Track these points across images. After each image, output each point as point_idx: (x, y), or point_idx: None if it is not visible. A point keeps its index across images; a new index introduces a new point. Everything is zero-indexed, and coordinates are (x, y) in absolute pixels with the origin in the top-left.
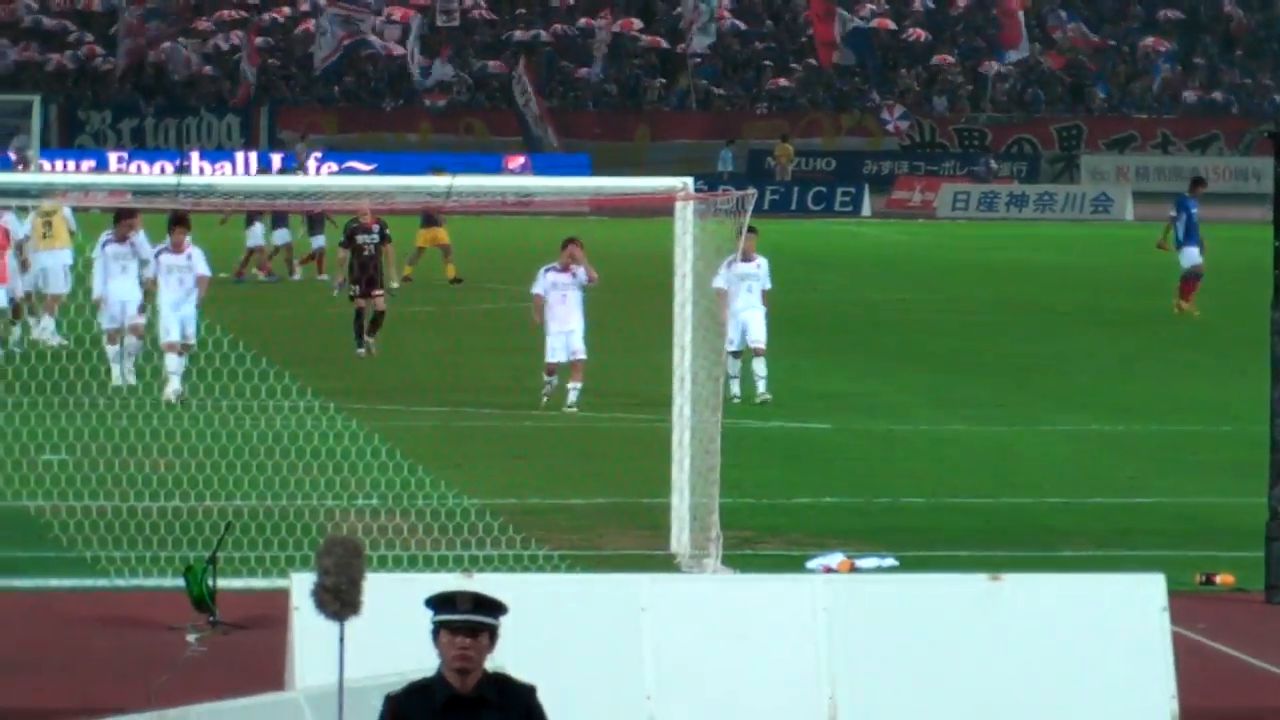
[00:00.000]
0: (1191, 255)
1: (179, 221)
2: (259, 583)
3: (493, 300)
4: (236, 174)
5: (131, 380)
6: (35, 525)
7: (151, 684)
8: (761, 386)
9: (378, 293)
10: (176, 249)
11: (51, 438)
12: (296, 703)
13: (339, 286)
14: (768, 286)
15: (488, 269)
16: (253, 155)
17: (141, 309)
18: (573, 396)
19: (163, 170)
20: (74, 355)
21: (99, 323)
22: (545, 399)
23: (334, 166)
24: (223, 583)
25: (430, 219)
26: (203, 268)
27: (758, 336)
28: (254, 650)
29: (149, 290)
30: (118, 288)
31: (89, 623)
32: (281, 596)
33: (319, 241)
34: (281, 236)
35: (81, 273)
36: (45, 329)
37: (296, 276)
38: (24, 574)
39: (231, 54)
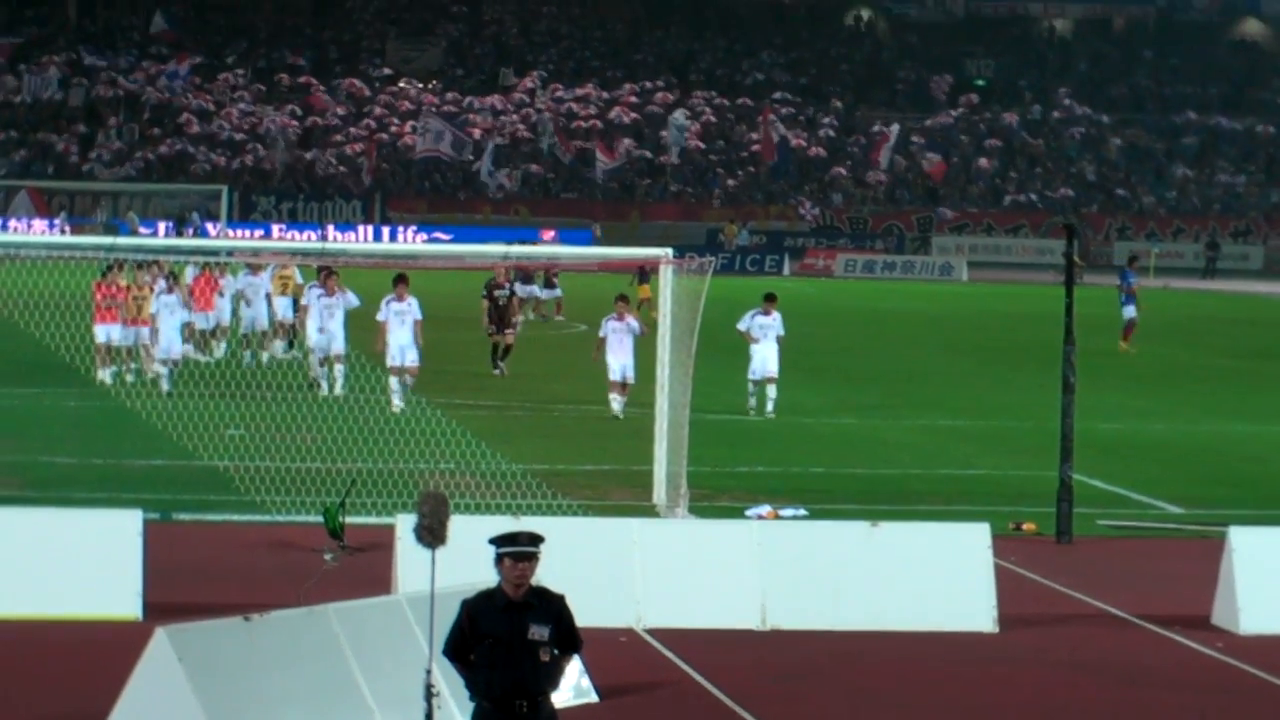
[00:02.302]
0: (1129, 311)
1: (401, 279)
2: (373, 520)
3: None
4: (359, 241)
5: (340, 392)
6: (222, 478)
7: (300, 589)
8: (770, 406)
9: (508, 331)
10: (400, 298)
11: (234, 419)
12: (400, 603)
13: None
14: (781, 333)
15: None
16: (369, 228)
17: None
18: (616, 407)
19: (309, 238)
20: (268, 369)
21: (310, 349)
22: (616, 416)
23: (424, 236)
24: (349, 519)
25: (644, 276)
26: (418, 313)
27: (771, 370)
28: (370, 567)
29: (381, 330)
30: (328, 327)
31: (257, 545)
32: (389, 530)
33: (531, 290)
34: (526, 290)
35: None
36: (278, 349)
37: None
38: (213, 511)
39: (356, 159)
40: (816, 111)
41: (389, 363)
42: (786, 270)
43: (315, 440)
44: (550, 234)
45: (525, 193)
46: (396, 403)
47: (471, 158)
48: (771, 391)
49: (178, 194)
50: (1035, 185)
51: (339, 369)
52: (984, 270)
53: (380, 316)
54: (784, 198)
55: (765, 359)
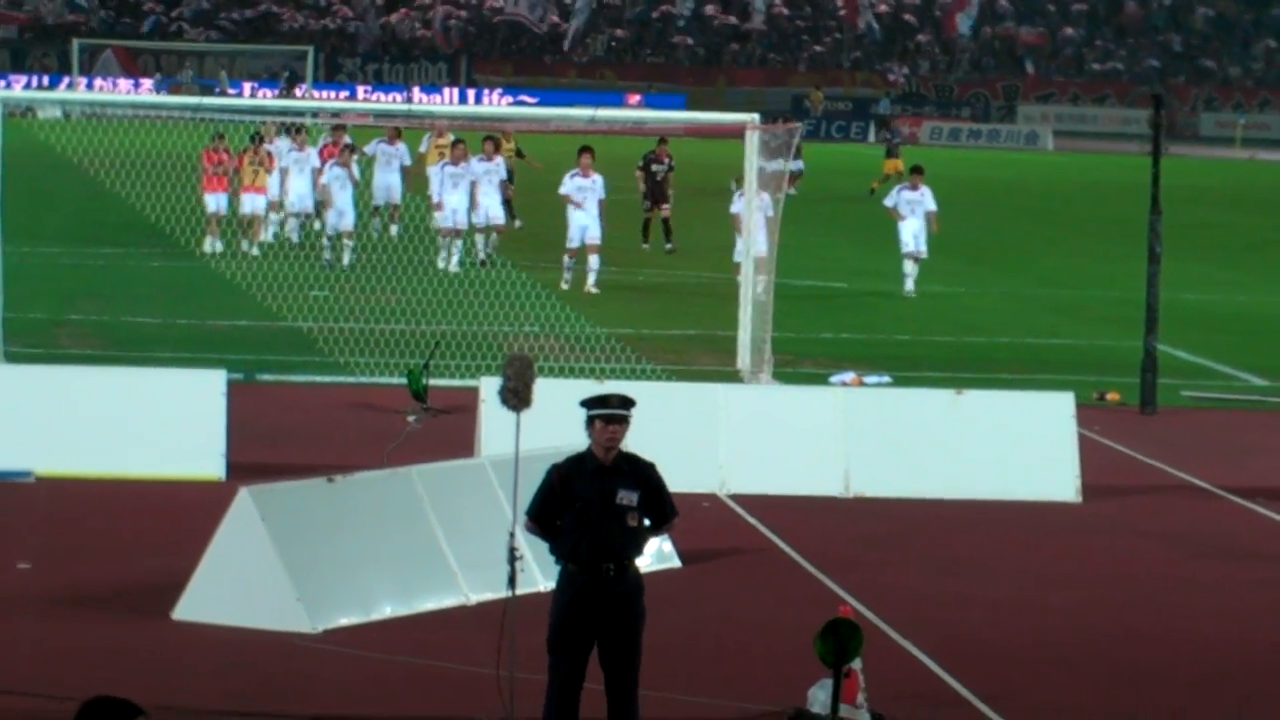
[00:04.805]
0: None
1: (586, 150)
2: (456, 382)
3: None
4: (444, 103)
5: (455, 269)
6: (305, 339)
7: (384, 450)
8: (910, 285)
9: (665, 206)
10: (584, 173)
11: (320, 281)
12: (483, 466)
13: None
14: (931, 208)
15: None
16: (455, 90)
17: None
18: (757, 289)
19: (394, 100)
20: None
21: (435, 222)
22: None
23: (510, 99)
24: (433, 381)
25: (891, 151)
26: (601, 191)
27: (922, 249)
28: (453, 429)
29: (567, 206)
30: (450, 199)
31: (341, 407)
32: (472, 392)
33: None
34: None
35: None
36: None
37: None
38: (297, 372)
39: (443, 21)
40: None
41: (568, 244)
42: (871, 137)
43: (399, 302)
44: (636, 98)
45: (611, 57)
46: (591, 283)
47: (556, 19)
48: (915, 269)
49: (264, 55)
50: (1122, 55)
51: (456, 245)
52: (1069, 140)
53: (563, 190)
54: (870, 64)
55: (916, 235)
